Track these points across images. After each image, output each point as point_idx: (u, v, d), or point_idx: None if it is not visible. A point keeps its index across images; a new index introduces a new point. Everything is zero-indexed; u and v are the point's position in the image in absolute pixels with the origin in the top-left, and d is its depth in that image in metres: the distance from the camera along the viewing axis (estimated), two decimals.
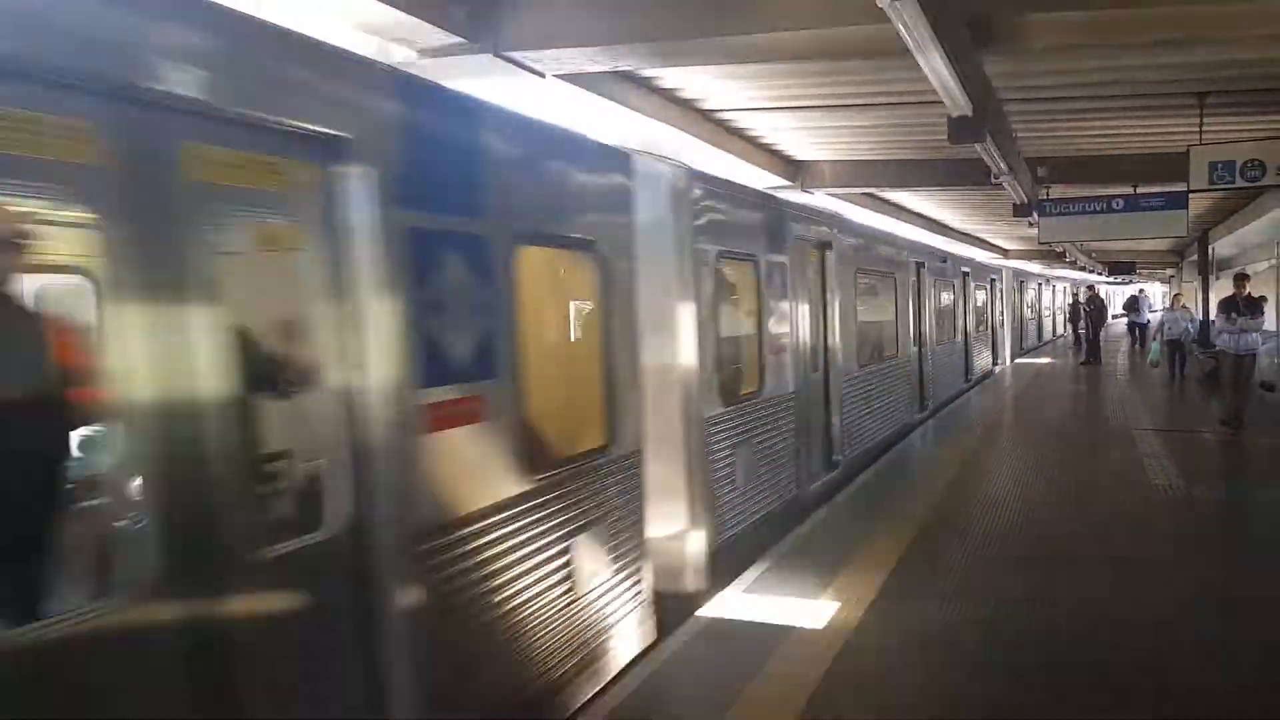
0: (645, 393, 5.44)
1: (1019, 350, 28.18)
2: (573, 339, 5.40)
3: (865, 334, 11.03)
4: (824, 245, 9.44)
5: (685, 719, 4.41)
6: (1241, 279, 13.01)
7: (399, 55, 6.62)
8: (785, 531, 7.40)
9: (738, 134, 12.16)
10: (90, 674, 2.42)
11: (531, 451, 4.18)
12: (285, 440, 3.46)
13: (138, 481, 2.65)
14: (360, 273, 3.20)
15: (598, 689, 4.64)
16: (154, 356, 2.57)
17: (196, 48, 2.71)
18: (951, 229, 25.41)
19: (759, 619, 5.43)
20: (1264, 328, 12.87)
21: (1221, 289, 18.72)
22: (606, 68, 7.64)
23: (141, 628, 2.53)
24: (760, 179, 13.10)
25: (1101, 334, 25.39)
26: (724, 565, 6.34)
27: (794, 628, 5.23)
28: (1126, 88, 9.97)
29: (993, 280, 23.12)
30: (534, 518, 4.18)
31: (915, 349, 13.87)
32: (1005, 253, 33.12)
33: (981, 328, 21.29)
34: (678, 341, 6.16)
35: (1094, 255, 34.97)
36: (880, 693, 4.54)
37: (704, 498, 6.30)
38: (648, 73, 9.06)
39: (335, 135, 3.12)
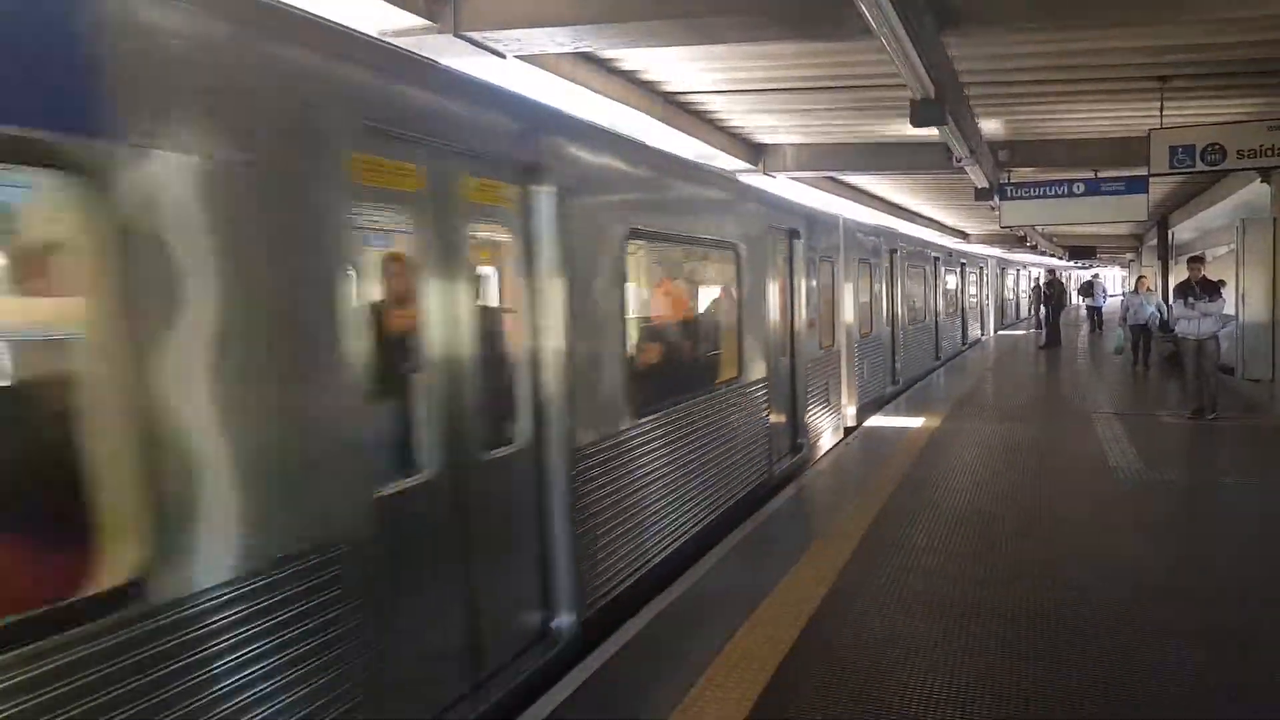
0: (842, 324, 11.85)
1: (999, 324, 34.28)
2: (829, 299, 11.50)
3: (909, 306, 17.19)
4: (893, 251, 15.59)
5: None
6: (1195, 261, 12.59)
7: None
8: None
9: (700, 117, 11.98)
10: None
11: (823, 338, 10.56)
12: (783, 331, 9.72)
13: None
14: (801, 276, 9.53)
15: (832, 445, 10.94)
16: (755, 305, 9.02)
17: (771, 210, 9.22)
18: (914, 213, 25.24)
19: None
20: (1224, 311, 12.24)
21: (1180, 273, 17.45)
22: (569, 49, 7.48)
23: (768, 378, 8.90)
24: (723, 162, 13.21)
25: (1062, 317, 27.22)
26: (860, 416, 12.67)
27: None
28: (1088, 71, 9.80)
29: (981, 268, 29.31)
30: (826, 365, 10.65)
31: (933, 318, 20.11)
32: (967, 237, 32.95)
33: (973, 305, 27.43)
34: (847, 303, 12.31)
35: (1055, 239, 34.56)
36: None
37: (856, 380, 12.57)
38: (610, 54, 8.92)
39: (795, 229, 9.48)
